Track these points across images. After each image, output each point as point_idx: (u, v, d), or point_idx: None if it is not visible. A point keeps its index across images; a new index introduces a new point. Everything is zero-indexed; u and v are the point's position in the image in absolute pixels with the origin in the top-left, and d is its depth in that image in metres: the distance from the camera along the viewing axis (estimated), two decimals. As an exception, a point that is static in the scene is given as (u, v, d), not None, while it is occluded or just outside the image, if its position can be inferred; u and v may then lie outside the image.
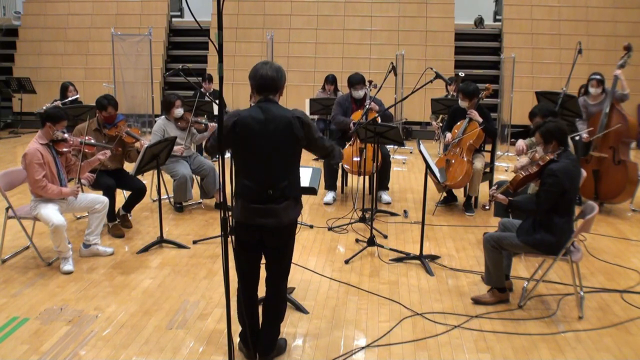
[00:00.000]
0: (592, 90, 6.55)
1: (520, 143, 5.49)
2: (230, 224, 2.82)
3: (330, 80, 9.27)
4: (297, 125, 3.12)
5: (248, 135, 3.07)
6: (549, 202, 3.84)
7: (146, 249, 5.13)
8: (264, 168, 3.11)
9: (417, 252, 4.93)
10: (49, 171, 4.68)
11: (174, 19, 13.52)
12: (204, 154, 6.62)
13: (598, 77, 6.51)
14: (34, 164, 4.55)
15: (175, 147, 6.04)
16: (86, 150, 5.06)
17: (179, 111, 6.16)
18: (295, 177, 3.25)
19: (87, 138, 5.08)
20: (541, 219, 3.94)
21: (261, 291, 3.41)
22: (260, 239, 3.22)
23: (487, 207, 4.32)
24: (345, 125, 6.55)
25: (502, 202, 4.12)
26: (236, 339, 3.48)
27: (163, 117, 6.28)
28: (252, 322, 3.38)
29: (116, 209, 5.60)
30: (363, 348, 3.57)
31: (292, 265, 3.49)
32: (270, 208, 3.12)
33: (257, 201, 3.11)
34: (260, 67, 3.15)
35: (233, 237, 3.00)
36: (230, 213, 2.85)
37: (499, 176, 7.58)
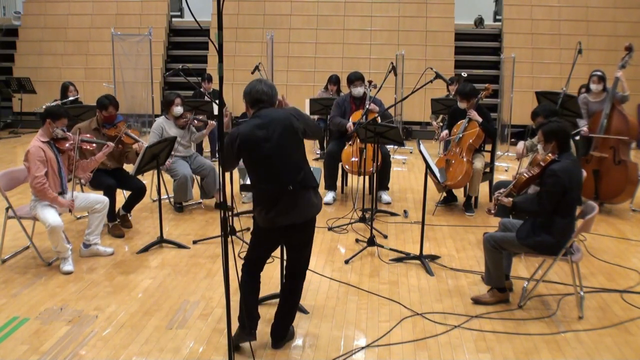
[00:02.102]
0: (593, 86, 6.54)
1: (520, 146, 5.49)
2: (240, 228, 2.91)
3: (334, 80, 9.26)
4: (294, 119, 3.32)
5: (255, 145, 3.21)
6: (552, 202, 3.84)
7: (146, 249, 5.13)
8: (278, 167, 3.24)
9: (417, 252, 4.93)
10: (50, 169, 4.67)
11: (174, 19, 13.52)
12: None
13: (599, 73, 6.51)
14: (35, 160, 4.56)
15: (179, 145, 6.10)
16: (87, 148, 5.06)
17: (178, 109, 6.16)
18: (308, 167, 3.39)
19: (87, 136, 5.08)
20: (542, 220, 3.93)
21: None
22: (286, 236, 3.37)
23: (492, 211, 4.32)
24: (342, 127, 6.55)
25: (506, 205, 4.12)
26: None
27: (163, 116, 6.29)
28: (254, 301, 3.49)
29: (116, 209, 5.60)
30: (363, 348, 3.57)
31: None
32: (295, 204, 3.24)
33: (281, 201, 3.21)
34: (255, 84, 3.36)
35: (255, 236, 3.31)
36: (230, 213, 2.90)
37: (499, 176, 7.57)
